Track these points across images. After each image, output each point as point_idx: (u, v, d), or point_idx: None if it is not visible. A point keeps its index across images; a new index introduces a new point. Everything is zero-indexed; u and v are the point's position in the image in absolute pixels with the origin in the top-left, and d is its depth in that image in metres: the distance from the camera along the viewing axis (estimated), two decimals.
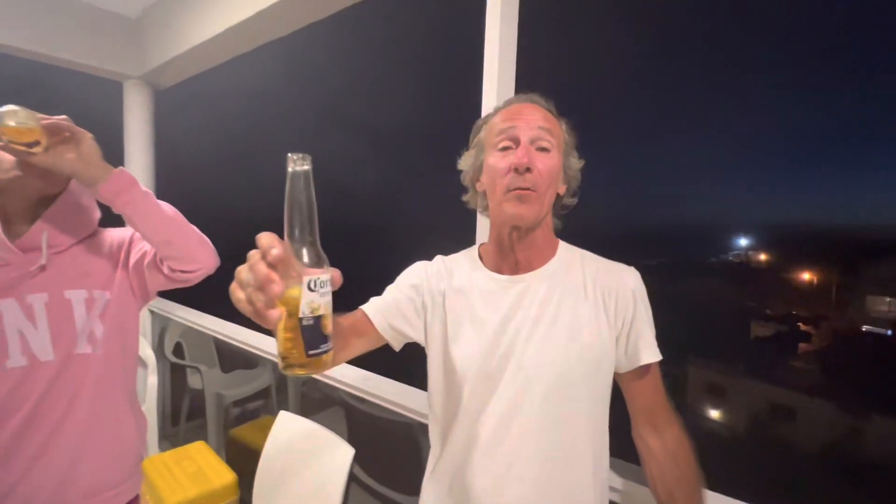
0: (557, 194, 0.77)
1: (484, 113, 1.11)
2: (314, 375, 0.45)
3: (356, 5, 1.59)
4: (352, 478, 1.11)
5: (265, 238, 0.43)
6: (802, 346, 19.07)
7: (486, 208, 0.79)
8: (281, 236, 0.45)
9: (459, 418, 0.75)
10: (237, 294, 0.45)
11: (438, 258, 0.85)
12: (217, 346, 2.70)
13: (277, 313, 0.43)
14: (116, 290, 0.96)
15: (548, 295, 0.73)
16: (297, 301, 0.44)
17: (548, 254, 0.78)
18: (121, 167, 0.83)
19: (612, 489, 0.89)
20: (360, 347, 0.79)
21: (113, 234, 0.99)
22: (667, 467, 0.74)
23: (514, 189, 0.69)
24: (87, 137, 0.79)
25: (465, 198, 0.84)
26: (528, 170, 0.69)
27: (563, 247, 0.80)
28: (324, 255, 0.47)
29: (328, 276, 0.46)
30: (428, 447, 0.84)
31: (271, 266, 0.42)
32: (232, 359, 2.74)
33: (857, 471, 11.87)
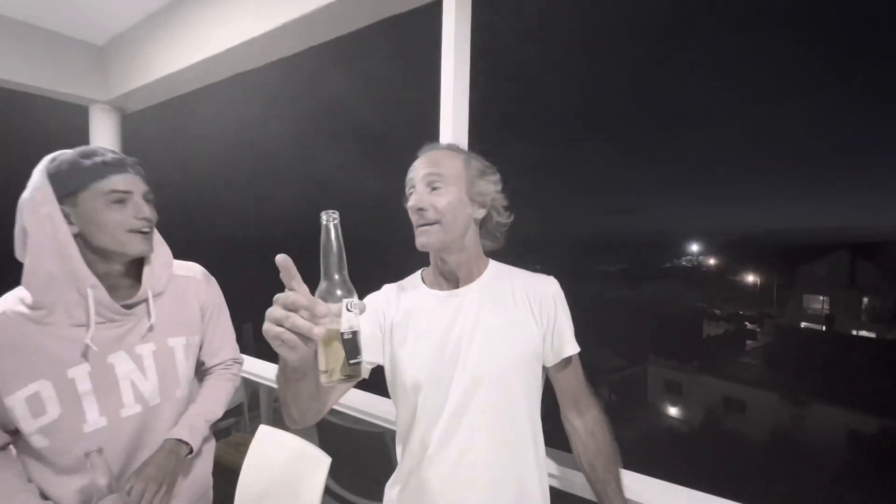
0: (482, 219, 0.89)
1: (441, 124, 1.28)
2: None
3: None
4: (325, 490, 1.15)
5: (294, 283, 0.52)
6: (749, 343, 20.37)
7: None
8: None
9: (416, 423, 0.85)
10: (274, 329, 0.51)
11: (385, 287, 0.97)
12: None
13: (322, 330, 0.51)
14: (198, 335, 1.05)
15: (480, 304, 0.86)
16: (337, 322, 0.54)
17: (479, 270, 0.91)
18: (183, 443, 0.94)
19: (549, 475, 1.00)
20: (344, 390, 0.84)
21: (198, 288, 1.05)
22: (588, 443, 0.88)
23: (419, 225, 0.84)
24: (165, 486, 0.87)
25: None
26: (423, 209, 0.83)
27: (493, 264, 0.94)
28: (352, 288, 0.58)
29: (360, 301, 0.57)
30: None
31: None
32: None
33: (801, 455, 12.85)
